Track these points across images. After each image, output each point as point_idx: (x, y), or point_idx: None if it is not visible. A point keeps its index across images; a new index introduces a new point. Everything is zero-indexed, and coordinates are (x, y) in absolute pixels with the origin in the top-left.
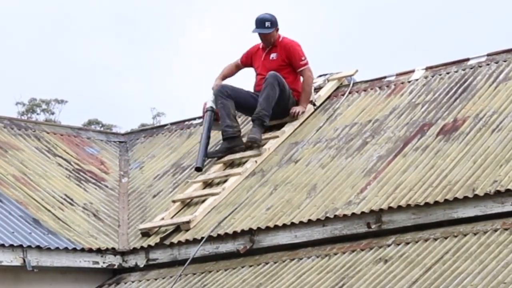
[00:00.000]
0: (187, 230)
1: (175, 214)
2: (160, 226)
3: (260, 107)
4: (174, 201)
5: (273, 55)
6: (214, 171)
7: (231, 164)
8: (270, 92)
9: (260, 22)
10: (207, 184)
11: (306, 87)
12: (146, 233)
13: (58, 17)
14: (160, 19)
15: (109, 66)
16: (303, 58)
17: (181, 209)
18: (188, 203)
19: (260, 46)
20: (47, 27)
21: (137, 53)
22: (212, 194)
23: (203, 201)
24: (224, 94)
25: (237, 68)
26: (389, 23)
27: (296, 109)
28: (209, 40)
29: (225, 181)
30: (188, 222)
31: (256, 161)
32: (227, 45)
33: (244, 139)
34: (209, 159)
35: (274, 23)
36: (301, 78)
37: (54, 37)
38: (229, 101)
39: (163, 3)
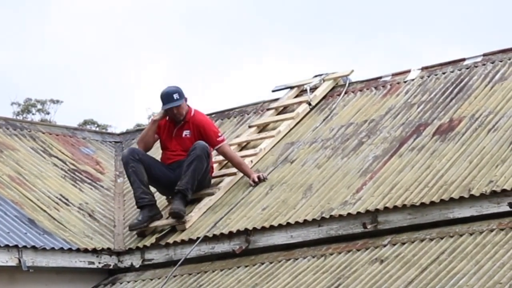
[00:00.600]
0: (182, 231)
1: None
2: (155, 227)
3: (185, 179)
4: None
5: (186, 132)
6: None
7: (226, 164)
8: (198, 165)
9: (167, 96)
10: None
11: (235, 159)
12: (141, 233)
13: (53, 15)
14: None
15: (105, 66)
16: (219, 135)
17: None
18: None
19: (167, 119)
20: (42, 26)
21: (135, 52)
22: (208, 194)
23: (199, 201)
24: (135, 157)
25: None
26: (385, 23)
27: (255, 176)
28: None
29: (221, 181)
30: (184, 222)
31: (251, 161)
32: None
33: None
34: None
35: (181, 94)
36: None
37: (50, 36)
38: (141, 166)
39: None
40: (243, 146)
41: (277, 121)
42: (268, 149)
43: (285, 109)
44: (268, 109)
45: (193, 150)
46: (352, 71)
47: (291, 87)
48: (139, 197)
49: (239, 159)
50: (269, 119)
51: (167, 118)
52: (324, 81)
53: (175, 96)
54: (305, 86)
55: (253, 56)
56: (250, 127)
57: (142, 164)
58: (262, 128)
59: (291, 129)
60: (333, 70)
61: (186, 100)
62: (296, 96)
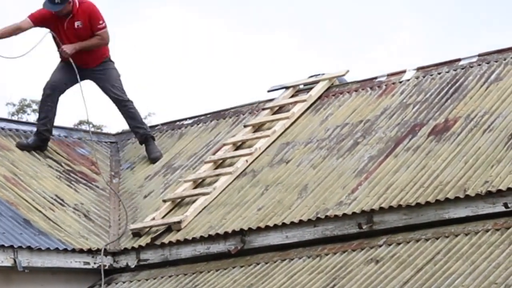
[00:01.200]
0: (178, 230)
1: (166, 214)
2: (151, 226)
3: (140, 130)
4: (164, 201)
5: (77, 23)
6: (205, 170)
7: (222, 164)
8: (131, 112)
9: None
10: (198, 183)
11: (93, 42)
12: (137, 233)
13: None
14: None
15: None
16: (100, 22)
17: (172, 209)
18: (179, 203)
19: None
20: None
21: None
22: (203, 194)
23: (194, 201)
24: (47, 93)
25: (27, 27)
26: (380, 23)
27: (64, 47)
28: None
29: (216, 180)
30: (179, 222)
31: (247, 161)
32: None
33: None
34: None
35: None
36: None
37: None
38: (55, 100)
39: None
40: (238, 146)
41: (272, 120)
42: (263, 149)
43: (280, 109)
44: (263, 109)
45: (123, 101)
46: (348, 71)
47: (287, 87)
48: (39, 130)
49: (91, 44)
50: (264, 118)
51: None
52: (319, 81)
53: (56, 0)
54: (300, 86)
55: None
56: (245, 126)
57: (58, 93)
58: (257, 127)
59: (286, 129)
60: (330, 70)
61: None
62: (292, 96)
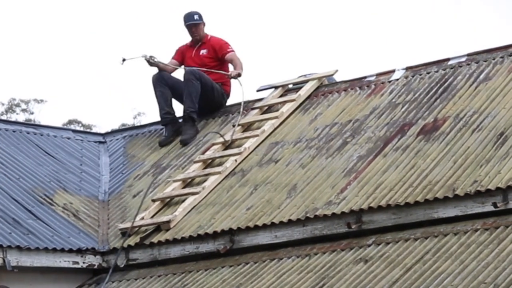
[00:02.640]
0: (167, 230)
1: (155, 214)
2: (140, 226)
3: (185, 105)
4: (153, 200)
5: (203, 51)
6: (194, 169)
7: (211, 163)
8: (190, 88)
9: (188, 16)
10: (187, 183)
11: (237, 62)
12: (126, 233)
13: (37, 15)
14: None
15: (90, 65)
16: (230, 47)
17: (161, 208)
18: (168, 203)
19: (189, 44)
20: (25, 26)
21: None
22: (192, 194)
23: (183, 200)
24: (161, 82)
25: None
26: (368, 23)
27: (232, 72)
28: None
29: (205, 180)
30: (168, 222)
31: (236, 160)
32: None
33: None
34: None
35: (201, 16)
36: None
37: (34, 36)
38: (166, 88)
39: None
40: (227, 146)
41: (261, 120)
42: (253, 148)
43: (269, 109)
44: (252, 109)
45: (183, 79)
46: (336, 71)
47: (276, 87)
48: (162, 116)
49: (240, 63)
50: (253, 118)
51: (189, 43)
52: (308, 81)
53: (196, 16)
54: (289, 85)
55: None
56: (234, 126)
57: (168, 86)
58: (247, 127)
59: (275, 129)
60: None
61: (204, 25)
62: (281, 96)
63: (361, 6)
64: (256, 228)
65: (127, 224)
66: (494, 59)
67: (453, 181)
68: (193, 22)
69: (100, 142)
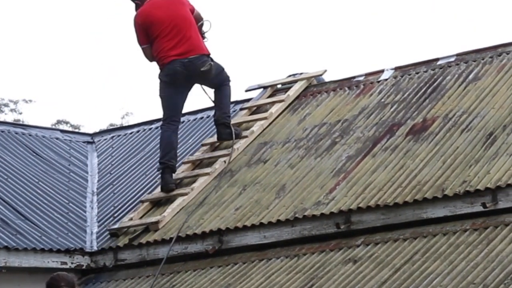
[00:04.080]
0: (155, 231)
1: (144, 215)
2: (129, 227)
3: (223, 112)
4: (142, 201)
5: None
6: (183, 170)
7: (200, 164)
8: (229, 95)
9: None
10: (176, 184)
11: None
12: (115, 234)
13: (25, 15)
14: None
15: (79, 65)
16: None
17: (150, 209)
18: (157, 203)
19: None
20: (13, 26)
21: (106, 51)
22: (181, 195)
23: (172, 201)
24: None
25: None
26: (358, 22)
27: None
28: None
29: (194, 181)
30: (157, 223)
31: (225, 161)
32: None
33: None
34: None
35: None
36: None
37: (22, 36)
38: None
39: None
40: (216, 146)
41: (250, 121)
42: (242, 149)
43: (258, 109)
44: (241, 109)
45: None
46: (325, 70)
47: (265, 87)
48: (168, 160)
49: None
50: (242, 119)
51: None
52: (297, 81)
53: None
54: (278, 85)
55: None
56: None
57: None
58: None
59: (264, 129)
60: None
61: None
62: (270, 96)
63: (353, 5)
64: (245, 228)
65: (116, 225)
66: (483, 59)
67: (442, 181)
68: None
69: (89, 142)
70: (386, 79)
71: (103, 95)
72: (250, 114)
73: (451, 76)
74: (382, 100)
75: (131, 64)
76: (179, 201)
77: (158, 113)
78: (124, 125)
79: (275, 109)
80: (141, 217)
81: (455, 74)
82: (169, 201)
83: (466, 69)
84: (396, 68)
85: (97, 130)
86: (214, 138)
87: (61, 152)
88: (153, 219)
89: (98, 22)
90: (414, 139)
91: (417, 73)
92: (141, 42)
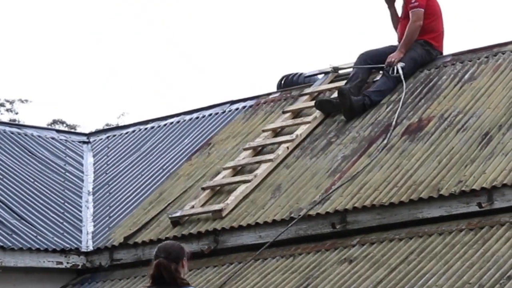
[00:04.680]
0: (220, 219)
1: (205, 202)
2: (191, 215)
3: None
4: (203, 189)
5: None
6: (244, 157)
7: (262, 151)
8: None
9: None
10: (237, 171)
11: (408, 30)
12: (176, 222)
13: (20, 15)
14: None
15: (75, 65)
16: (413, 1)
17: (212, 196)
18: (218, 191)
19: None
20: (9, 27)
21: (104, 54)
22: (244, 182)
23: (235, 188)
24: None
25: (401, 24)
26: (352, 20)
27: (392, 56)
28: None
29: (257, 168)
30: (220, 211)
31: (287, 148)
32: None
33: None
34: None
35: None
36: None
37: (19, 36)
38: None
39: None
40: (277, 132)
41: (311, 107)
42: (305, 135)
43: (318, 95)
44: (300, 95)
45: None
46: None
47: (326, 72)
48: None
49: (410, 34)
50: (303, 105)
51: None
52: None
53: None
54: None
55: None
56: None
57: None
58: (296, 114)
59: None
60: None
61: None
62: (331, 82)
63: (352, 5)
64: (241, 228)
65: (179, 213)
66: (479, 59)
67: (437, 181)
68: None
69: (84, 142)
70: None
71: (99, 95)
72: (311, 100)
73: (447, 76)
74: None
75: (128, 64)
76: (242, 188)
77: (154, 113)
78: (120, 125)
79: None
80: (203, 205)
81: (451, 74)
82: (231, 188)
83: (462, 69)
84: None
85: (93, 130)
86: (276, 124)
87: (56, 152)
88: (216, 207)
89: (94, 22)
90: (410, 139)
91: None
92: None
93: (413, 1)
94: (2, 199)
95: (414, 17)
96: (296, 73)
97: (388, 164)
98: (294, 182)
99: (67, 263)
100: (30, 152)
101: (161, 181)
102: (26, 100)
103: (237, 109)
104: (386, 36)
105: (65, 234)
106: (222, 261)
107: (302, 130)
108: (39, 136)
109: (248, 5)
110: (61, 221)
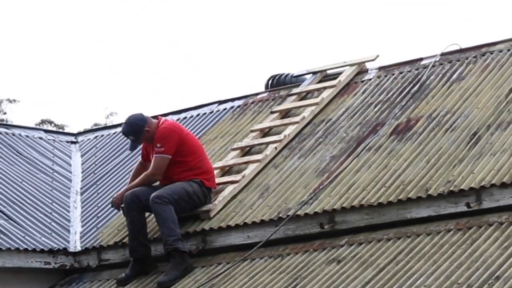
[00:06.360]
0: (203, 220)
1: None
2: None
3: (164, 237)
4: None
5: (158, 145)
6: (232, 157)
7: (250, 151)
8: (162, 214)
9: (124, 134)
10: (225, 171)
11: (143, 175)
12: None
13: (9, 15)
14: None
15: (63, 65)
16: (158, 145)
17: None
18: None
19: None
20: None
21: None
22: (232, 182)
23: (222, 189)
24: (137, 205)
25: (142, 167)
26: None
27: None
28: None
29: (245, 168)
30: (208, 211)
31: (275, 148)
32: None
33: None
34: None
35: (136, 132)
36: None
37: (6, 36)
38: (142, 214)
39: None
40: (266, 132)
41: (300, 106)
42: (293, 135)
43: (307, 95)
44: (289, 95)
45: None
46: (378, 56)
47: (314, 72)
48: (133, 249)
49: (142, 180)
50: (291, 105)
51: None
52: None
53: (130, 137)
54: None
55: None
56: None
57: (144, 208)
58: (285, 114)
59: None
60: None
61: (148, 127)
62: (320, 82)
63: (352, 4)
64: (229, 228)
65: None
66: (467, 59)
67: (426, 181)
68: (135, 147)
69: (72, 142)
70: (370, 79)
71: (88, 95)
72: (300, 100)
73: (435, 76)
74: (366, 99)
75: (116, 64)
76: (230, 189)
77: (142, 113)
78: (108, 125)
79: (326, 95)
80: None
81: (439, 73)
82: (219, 189)
83: (450, 68)
84: (380, 68)
85: (81, 130)
86: (264, 124)
87: (44, 152)
88: (204, 207)
89: (83, 22)
90: (398, 139)
91: (401, 72)
92: None
93: (158, 146)
94: None
95: (155, 162)
96: (284, 73)
97: (377, 164)
98: (282, 182)
99: (55, 263)
100: (18, 152)
101: None
102: (14, 100)
103: (225, 109)
104: (379, 35)
105: (53, 234)
106: (211, 262)
107: (290, 130)
108: (27, 136)
109: (236, 6)
110: (49, 221)
